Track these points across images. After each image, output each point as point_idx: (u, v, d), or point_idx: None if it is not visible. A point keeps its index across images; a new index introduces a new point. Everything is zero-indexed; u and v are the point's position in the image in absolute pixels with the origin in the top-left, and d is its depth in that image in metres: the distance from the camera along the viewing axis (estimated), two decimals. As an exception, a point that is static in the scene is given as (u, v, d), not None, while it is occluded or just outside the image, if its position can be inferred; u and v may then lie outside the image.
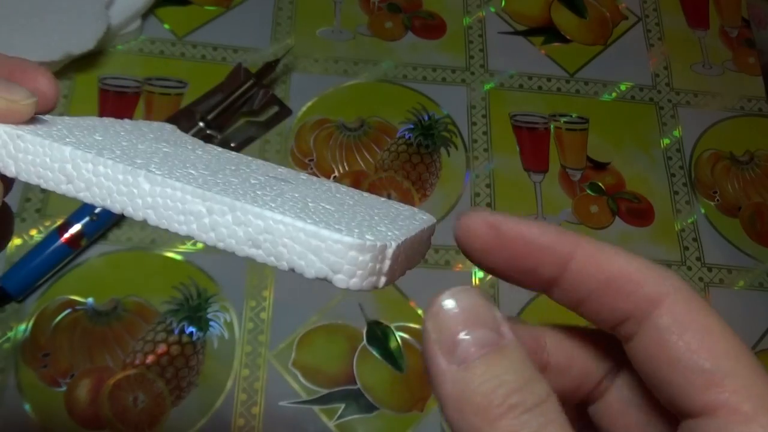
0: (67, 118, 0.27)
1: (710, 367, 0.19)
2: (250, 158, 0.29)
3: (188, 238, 0.22)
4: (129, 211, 0.22)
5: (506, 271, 0.23)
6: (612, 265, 0.21)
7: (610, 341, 0.23)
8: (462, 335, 0.20)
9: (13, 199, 0.57)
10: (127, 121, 0.30)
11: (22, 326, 0.53)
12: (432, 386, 0.20)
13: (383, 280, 0.22)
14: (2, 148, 0.23)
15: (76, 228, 0.54)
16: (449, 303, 0.20)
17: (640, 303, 0.21)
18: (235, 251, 0.21)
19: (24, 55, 0.64)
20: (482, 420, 0.18)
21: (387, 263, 0.21)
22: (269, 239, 0.21)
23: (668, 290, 0.20)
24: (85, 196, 0.22)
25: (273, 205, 0.21)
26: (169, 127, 0.32)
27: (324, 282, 0.21)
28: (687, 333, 0.20)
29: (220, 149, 0.30)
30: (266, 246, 0.21)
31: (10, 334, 0.53)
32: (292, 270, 0.20)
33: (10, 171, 0.23)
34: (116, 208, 0.22)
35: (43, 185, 0.23)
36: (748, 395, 0.19)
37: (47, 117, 0.26)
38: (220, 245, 0.21)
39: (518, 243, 0.22)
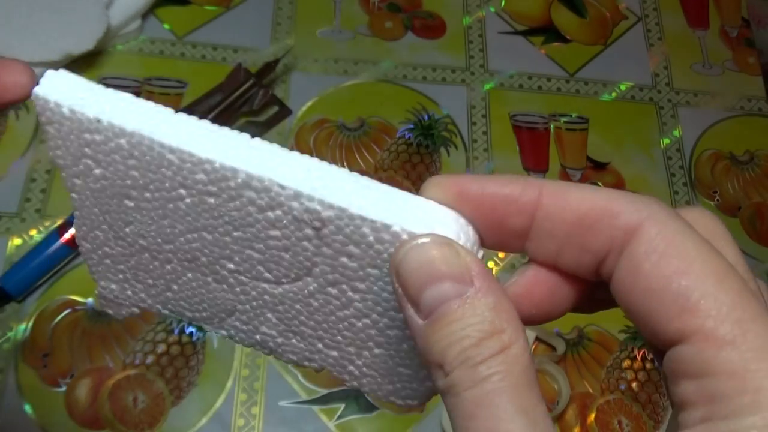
0: None
1: (684, 291, 0.18)
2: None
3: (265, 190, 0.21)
4: (213, 155, 0.21)
5: (481, 231, 0.22)
6: (581, 202, 0.20)
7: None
8: (423, 291, 0.19)
9: (13, 199, 0.57)
10: None
11: (22, 326, 0.53)
12: (410, 335, 0.20)
13: None
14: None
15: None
16: (409, 256, 0.20)
17: (616, 234, 0.19)
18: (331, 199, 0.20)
19: (24, 55, 0.65)
20: (440, 373, 0.19)
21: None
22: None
23: (643, 217, 0.19)
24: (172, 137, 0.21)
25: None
26: None
27: None
28: (662, 259, 0.19)
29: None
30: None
31: (10, 334, 0.53)
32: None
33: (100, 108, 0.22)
34: (203, 150, 0.21)
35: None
36: (725, 319, 0.17)
37: None
38: (318, 193, 0.20)
39: (483, 199, 0.21)
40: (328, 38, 0.68)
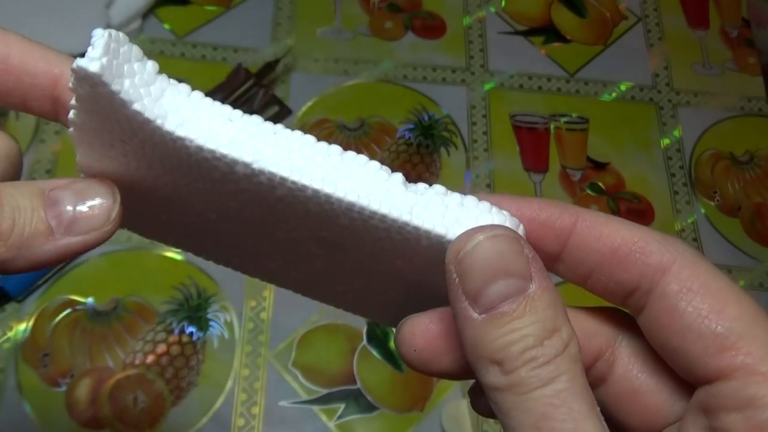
0: None
1: (723, 330, 0.19)
2: None
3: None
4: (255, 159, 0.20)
5: None
6: (614, 236, 0.21)
7: (603, 318, 0.23)
8: (486, 285, 0.19)
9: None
10: None
11: (22, 326, 0.53)
12: (456, 325, 0.20)
13: None
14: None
15: (76, 228, 0.54)
16: (476, 248, 0.19)
17: (647, 272, 0.20)
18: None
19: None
20: (497, 370, 0.19)
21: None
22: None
23: (674, 257, 0.20)
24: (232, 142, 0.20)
25: None
26: None
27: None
28: (696, 298, 0.19)
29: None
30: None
31: (10, 334, 0.53)
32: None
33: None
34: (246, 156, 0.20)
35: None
36: (765, 356, 0.19)
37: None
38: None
39: (520, 220, 0.22)
40: (328, 38, 0.68)
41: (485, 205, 0.21)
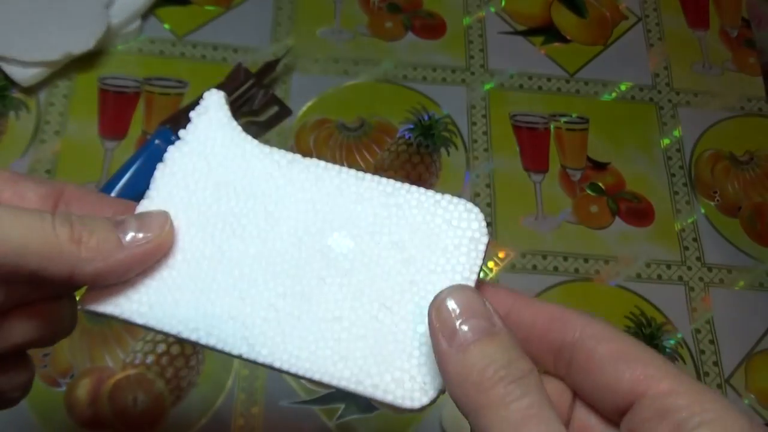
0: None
1: (631, 363, 0.25)
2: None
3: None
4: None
5: None
6: (549, 309, 0.28)
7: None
8: (460, 325, 0.24)
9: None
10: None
11: (22, 326, 0.53)
12: (439, 367, 0.25)
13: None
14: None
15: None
16: (448, 299, 0.25)
17: (568, 329, 0.27)
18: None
19: (24, 54, 0.64)
20: (478, 391, 0.24)
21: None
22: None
23: (586, 320, 0.27)
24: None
25: None
26: None
27: None
28: (608, 344, 0.26)
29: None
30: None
31: (10, 334, 0.53)
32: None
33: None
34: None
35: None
36: (665, 376, 0.24)
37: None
38: None
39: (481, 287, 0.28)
40: (328, 38, 0.68)
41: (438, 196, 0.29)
